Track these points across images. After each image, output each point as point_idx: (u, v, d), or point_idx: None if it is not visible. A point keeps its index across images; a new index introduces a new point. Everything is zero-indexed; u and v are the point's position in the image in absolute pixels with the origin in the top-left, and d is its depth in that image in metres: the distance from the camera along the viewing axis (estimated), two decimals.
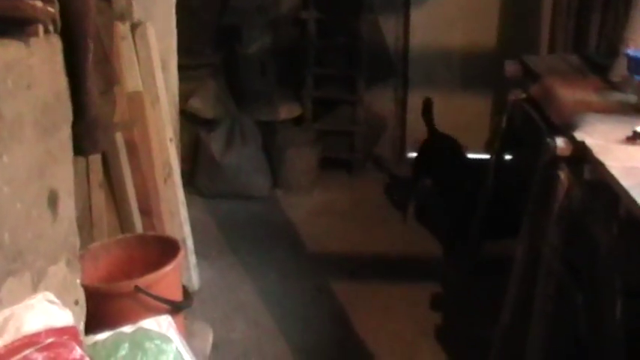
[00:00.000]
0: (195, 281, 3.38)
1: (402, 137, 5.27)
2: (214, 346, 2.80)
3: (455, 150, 4.20)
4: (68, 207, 1.77)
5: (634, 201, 1.72)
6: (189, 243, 3.37)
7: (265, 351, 3.01)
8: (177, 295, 2.20)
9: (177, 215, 3.31)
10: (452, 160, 4.15)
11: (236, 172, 4.55)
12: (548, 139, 2.35)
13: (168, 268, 2.12)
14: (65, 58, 1.70)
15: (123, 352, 1.59)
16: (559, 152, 2.22)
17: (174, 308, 2.09)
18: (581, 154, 2.14)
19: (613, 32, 3.86)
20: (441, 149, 4.26)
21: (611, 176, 1.86)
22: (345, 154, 5.07)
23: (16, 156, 1.52)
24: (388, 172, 5.11)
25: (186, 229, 3.37)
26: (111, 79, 1.87)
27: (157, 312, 1.99)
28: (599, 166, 1.95)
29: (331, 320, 3.28)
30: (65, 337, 1.29)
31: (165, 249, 2.26)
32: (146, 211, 3.05)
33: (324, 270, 3.71)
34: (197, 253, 3.45)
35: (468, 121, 5.15)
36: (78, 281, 1.80)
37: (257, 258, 3.83)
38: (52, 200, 1.67)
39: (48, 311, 1.30)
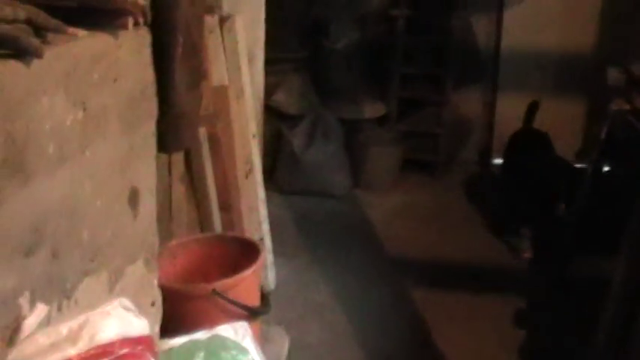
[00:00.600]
0: (271, 280, 3.32)
1: (488, 142, 5.09)
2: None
3: (545, 145, 4.05)
4: (149, 205, 1.71)
5: None
6: (267, 241, 3.31)
7: (340, 357, 2.92)
8: (254, 300, 2.13)
9: (257, 212, 3.25)
10: (542, 156, 3.98)
11: (316, 169, 4.47)
12: None
13: (247, 272, 2.05)
14: (153, 52, 1.64)
15: None
16: None
17: (252, 314, 2.03)
18: None
19: None
20: (531, 143, 4.11)
21: None
22: (428, 156, 4.93)
23: (99, 151, 1.46)
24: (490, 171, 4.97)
25: (265, 227, 3.31)
26: (199, 74, 1.81)
27: (234, 317, 1.93)
28: None
29: (409, 328, 3.18)
30: (140, 348, 1.22)
31: (245, 250, 2.20)
32: (226, 207, 3.01)
33: (403, 275, 3.60)
34: (274, 250, 3.39)
35: (559, 128, 4.91)
36: (155, 282, 1.74)
37: (334, 258, 3.75)
38: (133, 197, 1.62)
39: (123, 319, 1.23)
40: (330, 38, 4.74)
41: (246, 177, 3.19)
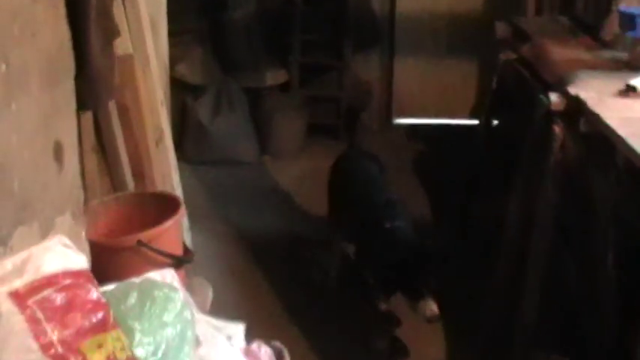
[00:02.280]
0: (188, 244, 3.38)
1: (388, 104, 5.29)
2: None
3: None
4: (73, 159, 1.77)
5: (631, 149, 1.76)
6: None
7: (258, 312, 3.04)
8: (177, 251, 2.21)
9: (169, 179, 3.30)
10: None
11: (224, 139, 4.54)
12: (541, 96, 2.38)
13: (169, 222, 2.13)
14: (67, 8, 1.69)
15: (132, 300, 1.60)
16: (553, 107, 2.26)
17: (176, 262, 2.11)
18: (576, 108, 2.17)
19: None
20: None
21: (608, 127, 1.90)
22: (332, 121, 5.08)
23: (23, 105, 1.52)
24: None
25: (178, 193, 3.36)
26: (111, 33, 1.86)
27: (159, 266, 2.00)
28: (595, 118, 1.99)
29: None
30: (81, 280, 1.30)
31: (164, 206, 2.27)
32: (139, 175, 3.03)
33: (313, 234, 3.75)
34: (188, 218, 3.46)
35: (453, 88, 5.18)
36: (83, 234, 1.81)
37: (246, 223, 3.86)
38: (58, 151, 1.68)
39: (64, 254, 1.30)
40: (229, 9, 4.79)
41: (157, 144, 3.23)
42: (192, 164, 4.55)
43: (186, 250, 2.29)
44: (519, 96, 2.90)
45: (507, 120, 3.34)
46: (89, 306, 1.27)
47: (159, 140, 3.24)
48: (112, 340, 1.26)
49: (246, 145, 4.64)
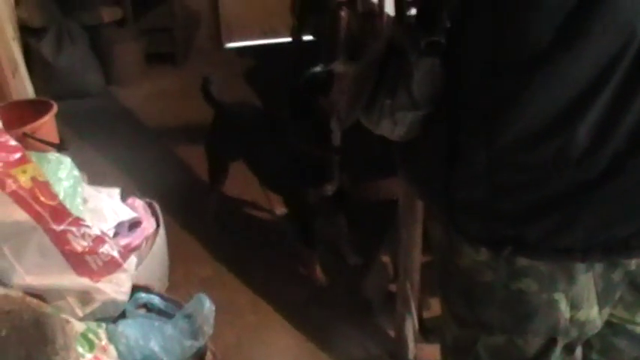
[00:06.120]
0: None
1: (217, 28, 5.84)
2: None
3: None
4: None
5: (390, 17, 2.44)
6: None
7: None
8: (56, 141, 2.69)
9: None
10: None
11: (70, 73, 4.91)
12: None
13: (46, 117, 2.61)
14: None
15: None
16: None
17: (57, 149, 2.59)
18: None
19: None
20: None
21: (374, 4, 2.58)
22: (167, 48, 5.57)
23: None
24: None
25: None
26: None
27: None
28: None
29: (178, 169, 4.02)
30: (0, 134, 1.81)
31: (39, 110, 2.72)
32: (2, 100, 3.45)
33: (166, 139, 4.31)
34: None
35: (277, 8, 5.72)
36: None
37: (105, 140, 4.32)
38: None
39: None
40: None
41: (14, 75, 3.64)
42: None
43: (62, 140, 2.77)
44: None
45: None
46: (10, 148, 1.79)
47: (15, 71, 3.64)
48: (31, 169, 1.79)
49: (91, 77, 5.06)
